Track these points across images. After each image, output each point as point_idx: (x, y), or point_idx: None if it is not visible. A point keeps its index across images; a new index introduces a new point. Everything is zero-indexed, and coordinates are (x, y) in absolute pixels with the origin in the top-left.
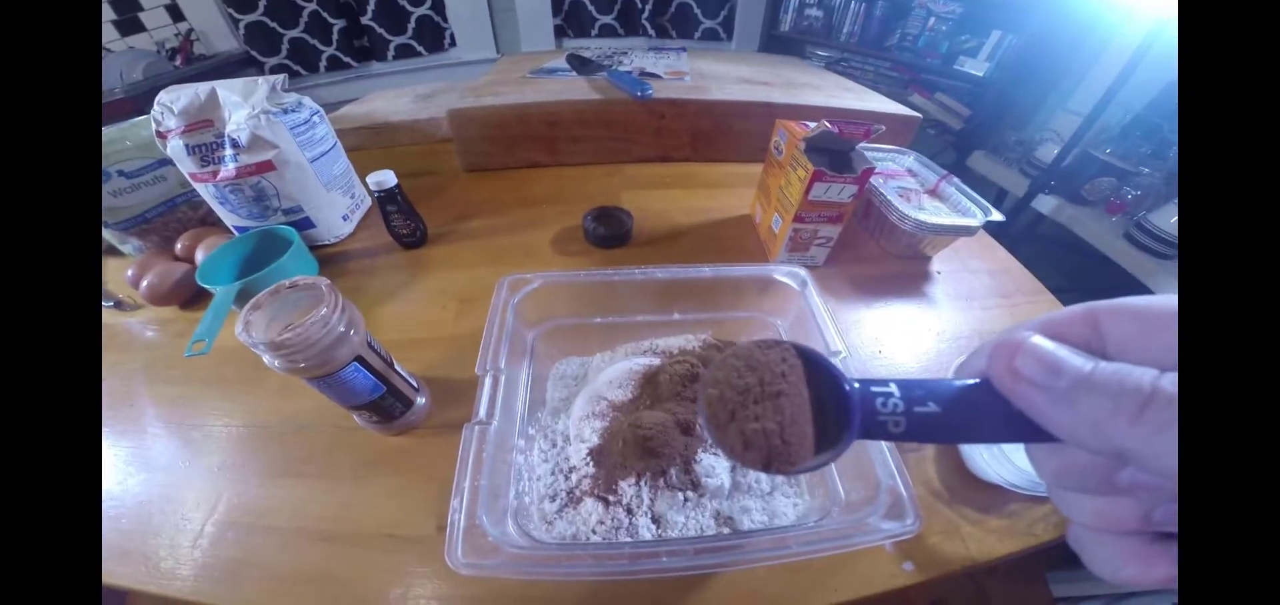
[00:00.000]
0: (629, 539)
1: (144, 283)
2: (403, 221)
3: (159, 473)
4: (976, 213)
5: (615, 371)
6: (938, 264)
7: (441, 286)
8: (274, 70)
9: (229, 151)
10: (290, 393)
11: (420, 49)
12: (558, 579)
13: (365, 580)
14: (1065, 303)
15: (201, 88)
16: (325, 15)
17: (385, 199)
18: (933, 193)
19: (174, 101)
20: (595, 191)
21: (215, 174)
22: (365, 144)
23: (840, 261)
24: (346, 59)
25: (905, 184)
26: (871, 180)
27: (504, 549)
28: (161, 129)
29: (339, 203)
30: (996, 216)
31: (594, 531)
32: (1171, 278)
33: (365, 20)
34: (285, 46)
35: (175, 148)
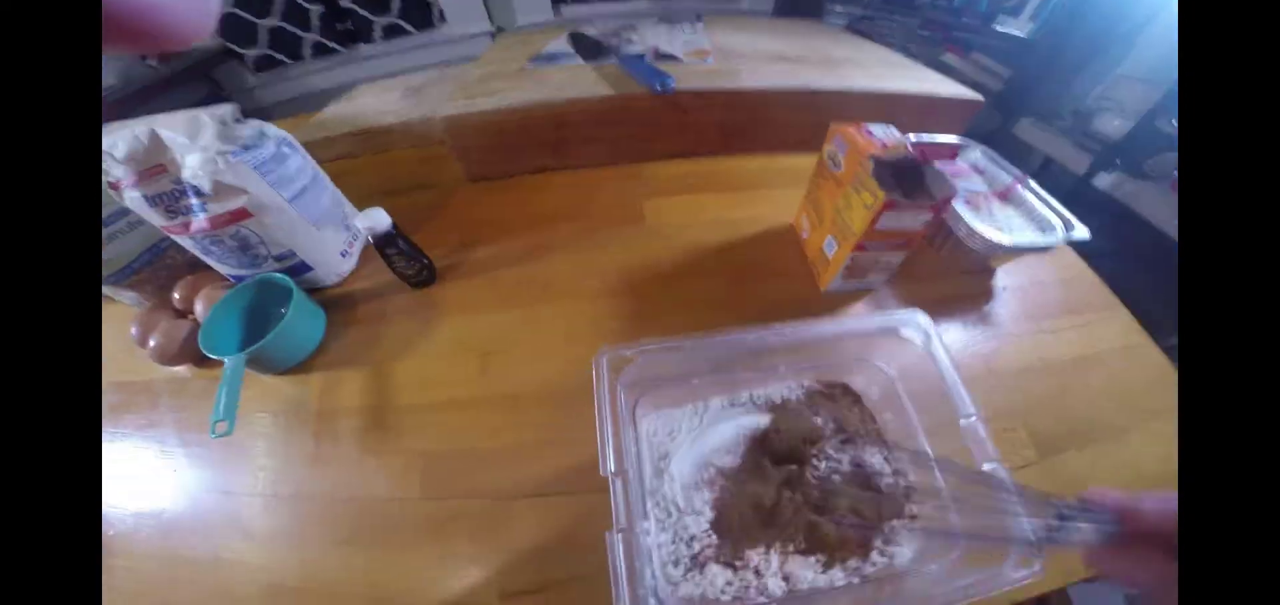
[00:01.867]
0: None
1: (150, 343)
2: (407, 263)
3: (211, 537)
4: (1057, 226)
5: (722, 437)
6: (1003, 278)
7: (459, 337)
8: (257, 61)
9: (195, 201)
10: (326, 461)
11: (409, 28)
12: None
13: None
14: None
15: (139, 129)
16: (300, 1)
17: (383, 243)
18: (1004, 197)
19: (113, 147)
20: (612, 201)
21: (187, 226)
22: (355, 151)
23: (898, 280)
24: (332, 45)
25: (972, 185)
26: None
27: None
28: (111, 180)
29: (333, 240)
30: (1081, 233)
31: (723, 593)
32: None
33: (345, 3)
34: (264, 36)
35: (133, 200)
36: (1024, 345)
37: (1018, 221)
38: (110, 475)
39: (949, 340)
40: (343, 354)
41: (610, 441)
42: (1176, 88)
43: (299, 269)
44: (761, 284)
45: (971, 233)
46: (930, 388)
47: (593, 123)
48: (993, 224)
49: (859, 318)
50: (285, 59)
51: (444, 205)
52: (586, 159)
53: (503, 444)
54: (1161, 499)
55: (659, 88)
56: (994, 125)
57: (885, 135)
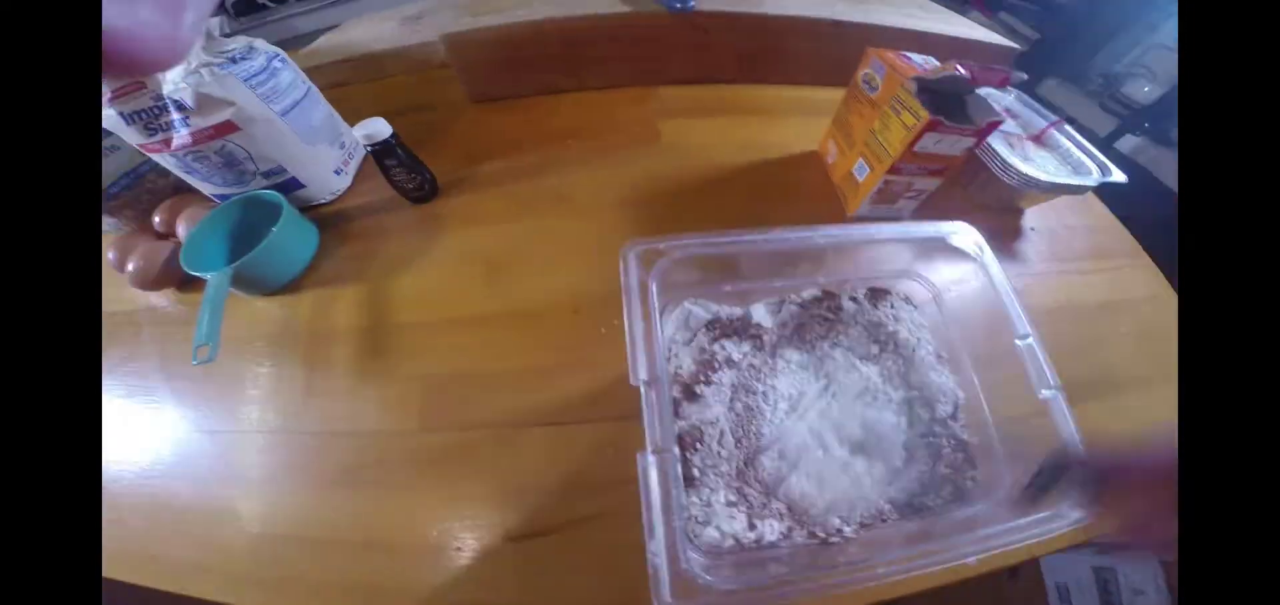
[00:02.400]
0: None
1: (129, 267)
2: (407, 175)
3: (198, 482)
4: (1092, 170)
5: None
6: (1031, 219)
7: (465, 249)
8: (237, 6)
9: (176, 116)
10: (318, 393)
11: None
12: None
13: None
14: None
15: None
16: None
17: (381, 153)
18: (1037, 140)
19: None
20: (627, 120)
21: (168, 142)
22: (348, 79)
23: (921, 213)
24: None
25: (1006, 127)
26: None
27: (717, 590)
28: None
29: (327, 156)
30: (1118, 177)
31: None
32: None
33: None
34: None
35: (110, 118)
36: (1051, 284)
37: (1052, 163)
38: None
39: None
40: (336, 271)
41: (641, 345)
42: None
43: (290, 186)
44: (785, 204)
45: (1006, 167)
46: (982, 306)
47: (606, 40)
48: (1028, 163)
49: (904, 225)
50: (267, 2)
51: (447, 125)
52: (598, 79)
53: (511, 367)
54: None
55: (677, 6)
56: (1018, 83)
57: (925, 63)
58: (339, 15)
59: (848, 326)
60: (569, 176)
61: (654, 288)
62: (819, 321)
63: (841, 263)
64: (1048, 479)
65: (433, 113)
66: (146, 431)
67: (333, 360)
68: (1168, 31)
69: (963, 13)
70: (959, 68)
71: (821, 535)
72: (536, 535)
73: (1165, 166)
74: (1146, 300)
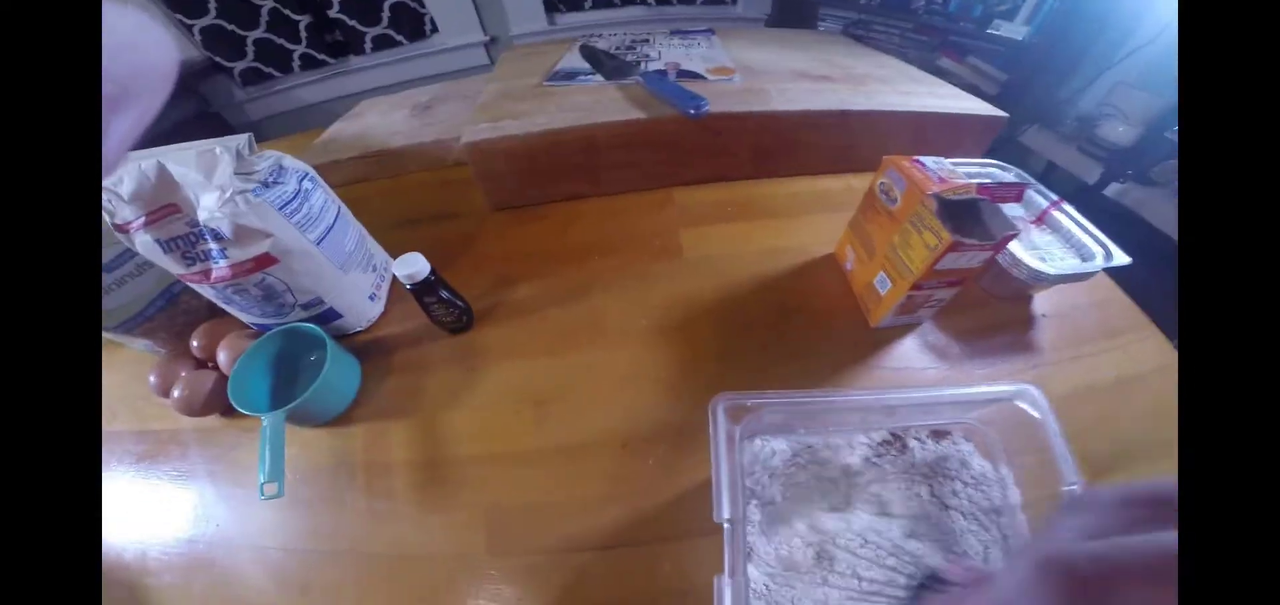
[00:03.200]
0: None
1: (174, 394)
2: (446, 311)
3: (268, 595)
4: (1096, 254)
5: None
6: (1041, 304)
7: (508, 386)
8: (244, 75)
9: (214, 246)
10: (382, 517)
11: (399, 38)
12: None
13: None
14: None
15: (146, 163)
16: (287, 11)
17: (421, 291)
18: (1039, 222)
19: (117, 184)
20: (648, 231)
21: (207, 273)
22: (368, 175)
23: (940, 314)
24: (320, 57)
25: (1011, 211)
26: None
27: None
28: (118, 222)
29: (361, 282)
30: (1121, 260)
31: None
32: None
33: (333, 13)
34: (251, 49)
35: (145, 244)
36: (1068, 371)
37: (1057, 248)
38: (149, 518)
39: (995, 376)
40: (384, 405)
41: (726, 490)
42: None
43: (328, 316)
44: (811, 319)
45: (1016, 262)
46: (1035, 454)
47: (623, 146)
48: (1033, 251)
49: (974, 388)
50: (274, 72)
51: (472, 238)
52: (616, 185)
53: (565, 498)
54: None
55: (693, 112)
56: (1000, 133)
57: (938, 168)
58: (341, 86)
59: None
60: (599, 302)
61: (738, 436)
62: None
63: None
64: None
65: (455, 223)
66: (207, 545)
67: (394, 489)
68: (1125, 67)
69: (933, 59)
70: (977, 191)
71: None
72: None
73: (1151, 207)
74: (1158, 371)
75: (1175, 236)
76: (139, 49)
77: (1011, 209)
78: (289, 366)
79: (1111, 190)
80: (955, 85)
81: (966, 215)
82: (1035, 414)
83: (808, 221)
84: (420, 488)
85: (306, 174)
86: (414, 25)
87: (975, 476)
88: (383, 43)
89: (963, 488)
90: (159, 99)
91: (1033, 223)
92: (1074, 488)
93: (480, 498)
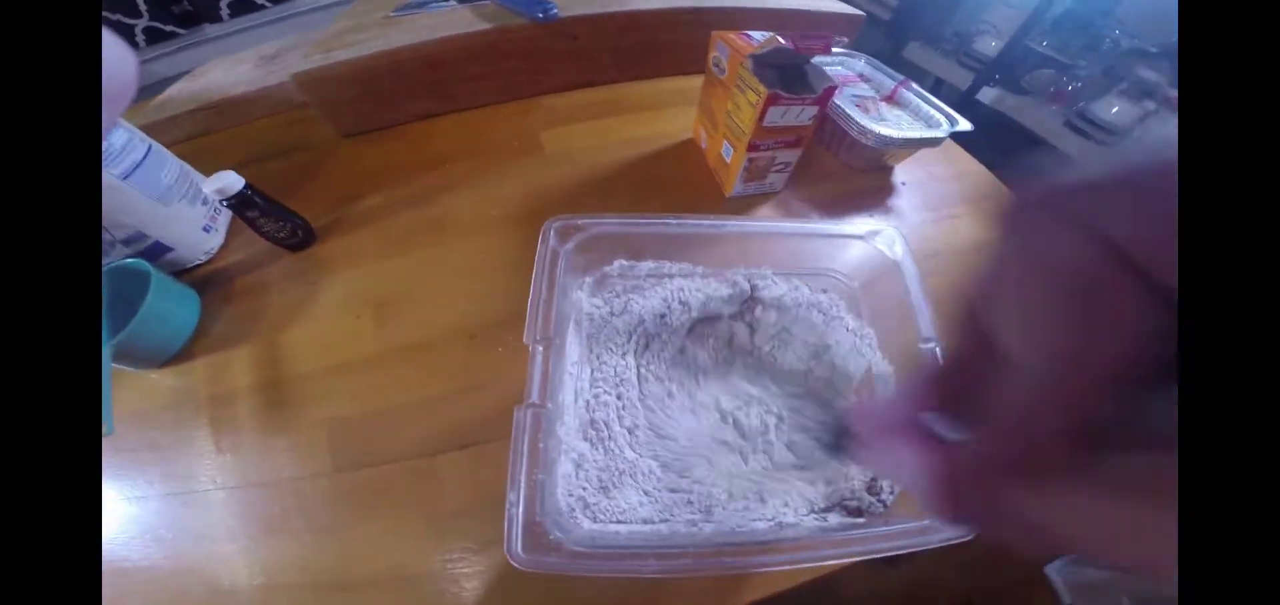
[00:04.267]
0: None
1: None
2: (275, 225)
3: (131, 548)
4: (941, 122)
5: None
6: (901, 174)
7: (351, 293)
8: None
9: None
10: (227, 450)
11: (261, 1)
12: (621, 575)
13: None
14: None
15: None
16: None
17: (239, 206)
18: (890, 99)
19: None
20: (508, 136)
21: None
22: (209, 127)
23: (799, 182)
24: (168, 28)
25: (860, 92)
26: None
27: (567, 546)
28: None
29: (191, 214)
30: (964, 126)
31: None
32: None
33: None
34: None
35: None
36: (929, 233)
37: (906, 121)
38: None
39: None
40: (225, 334)
41: (541, 310)
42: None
43: (157, 251)
44: (669, 194)
45: (864, 130)
46: (893, 303)
47: (472, 60)
48: (882, 123)
49: (831, 221)
50: None
51: (320, 165)
52: (475, 99)
53: (416, 398)
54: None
55: (542, 16)
56: (885, 50)
57: (763, 38)
58: (199, 56)
59: (761, 319)
60: (449, 202)
61: (562, 257)
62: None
63: (762, 253)
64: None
65: (303, 154)
66: None
67: (238, 420)
68: None
69: None
70: (780, 39)
71: (695, 514)
72: (469, 553)
73: (1028, 114)
74: None
75: (1049, 138)
76: (106, 61)
77: (859, 89)
78: (126, 312)
79: (988, 97)
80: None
81: (793, 79)
82: (891, 254)
83: (669, 113)
84: (263, 413)
85: None
86: None
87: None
88: (241, 7)
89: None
90: (122, 107)
91: (884, 101)
92: (930, 343)
93: (323, 413)
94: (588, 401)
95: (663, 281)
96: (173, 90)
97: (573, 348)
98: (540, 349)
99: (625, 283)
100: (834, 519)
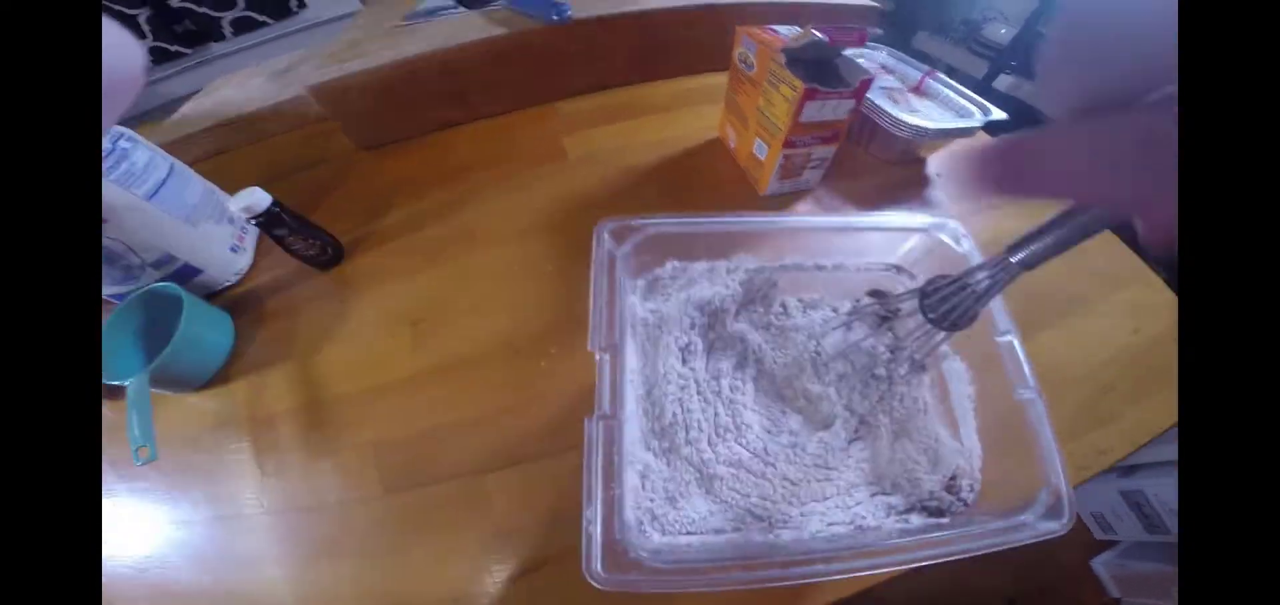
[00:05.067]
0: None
1: None
2: (303, 243)
3: (178, 574)
4: (974, 111)
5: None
6: (934, 165)
7: (383, 311)
8: None
9: None
10: (272, 474)
11: (263, 18)
12: (705, 589)
13: None
14: None
15: None
16: (118, 7)
17: (268, 224)
18: (917, 91)
19: None
20: (529, 142)
21: None
22: (228, 144)
23: (832, 178)
24: (174, 48)
25: (886, 83)
26: None
27: (646, 563)
28: None
29: (218, 234)
30: (998, 115)
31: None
32: None
33: (176, 2)
34: None
35: None
36: (972, 224)
37: (936, 111)
38: None
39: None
40: (260, 356)
41: (604, 314)
42: None
43: (186, 273)
44: (701, 196)
45: (896, 122)
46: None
47: (490, 66)
48: (914, 115)
49: (887, 212)
50: None
51: (341, 179)
52: (492, 106)
53: (460, 417)
54: None
55: (556, 18)
56: (890, 41)
57: (789, 32)
58: (207, 75)
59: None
60: (475, 212)
61: (620, 261)
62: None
63: (820, 248)
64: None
65: (324, 169)
66: (110, 530)
67: (279, 442)
68: None
69: None
70: (816, 32)
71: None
72: (526, 573)
73: (1038, 98)
74: None
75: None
76: (107, 50)
77: (885, 81)
78: (160, 337)
79: (1003, 83)
80: None
81: (826, 73)
82: (958, 248)
83: (693, 112)
84: (305, 435)
85: (121, 134)
86: (277, 2)
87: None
88: (244, 25)
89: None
90: (125, 102)
91: (912, 92)
92: (1008, 336)
93: (365, 435)
94: (648, 409)
95: (716, 277)
96: (186, 108)
97: (630, 355)
98: (607, 358)
99: (677, 285)
100: (915, 521)
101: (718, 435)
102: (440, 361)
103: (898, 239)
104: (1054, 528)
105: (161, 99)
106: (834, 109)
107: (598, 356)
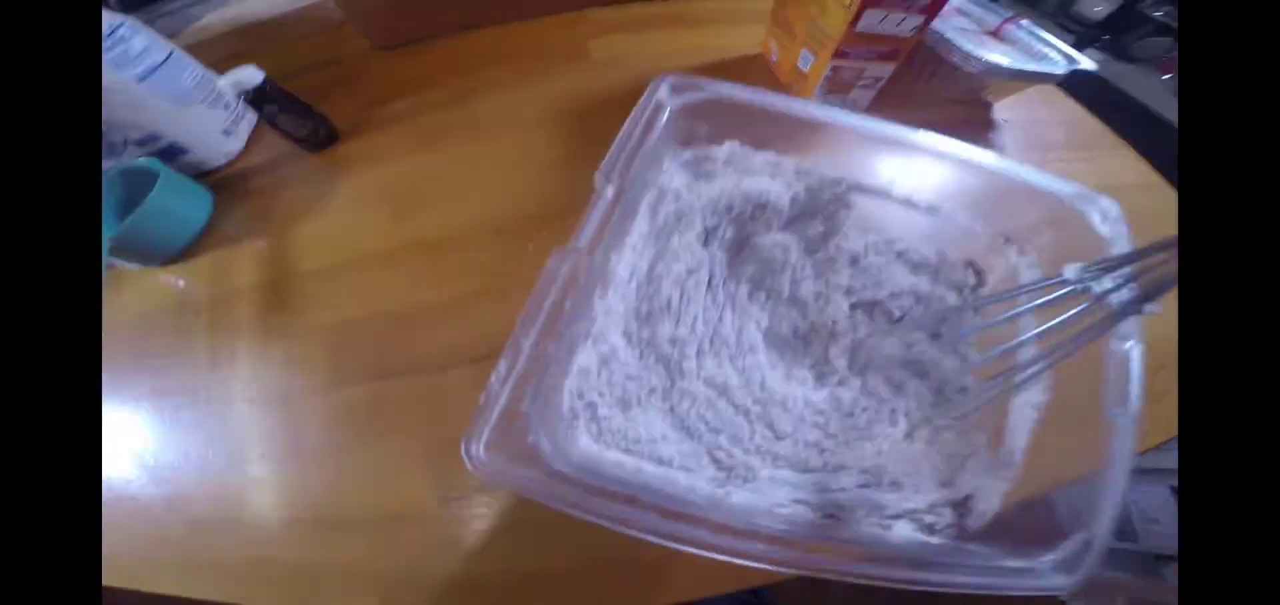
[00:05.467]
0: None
1: None
2: (295, 122)
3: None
4: (1058, 59)
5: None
6: (1001, 112)
7: (368, 187)
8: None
9: None
10: (222, 360)
11: None
12: (603, 524)
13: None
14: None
15: None
16: None
17: (258, 100)
18: (996, 35)
19: None
20: (551, 44)
21: None
22: (242, 51)
23: (879, 106)
24: None
25: (961, 24)
26: None
27: (545, 460)
28: None
29: (209, 118)
30: (1087, 64)
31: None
32: None
33: None
34: None
35: None
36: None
37: (1014, 54)
38: None
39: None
40: (234, 230)
41: (627, 147)
42: None
43: (172, 152)
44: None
45: (968, 56)
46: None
47: None
48: (990, 52)
49: (1022, 166)
50: None
51: (353, 78)
52: (516, 10)
53: (430, 299)
54: None
55: None
56: None
57: None
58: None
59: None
60: (484, 104)
61: (669, 112)
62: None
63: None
64: None
65: (335, 68)
66: None
67: (236, 323)
68: None
69: None
70: None
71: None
72: (475, 492)
73: (1132, 80)
74: (1139, 187)
75: (1157, 107)
76: None
77: (959, 22)
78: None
79: (1093, 63)
80: None
81: None
82: (1100, 229)
83: (734, 29)
84: (263, 315)
85: (123, 23)
86: None
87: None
88: None
89: None
90: None
91: (989, 35)
92: (1130, 345)
93: (327, 316)
94: (642, 286)
95: (780, 173)
96: (207, 18)
97: (644, 221)
98: (609, 191)
99: (730, 172)
100: (901, 531)
101: (712, 346)
102: (418, 239)
103: (1019, 202)
104: (1062, 583)
105: (189, 22)
106: (898, 23)
107: (599, 185)
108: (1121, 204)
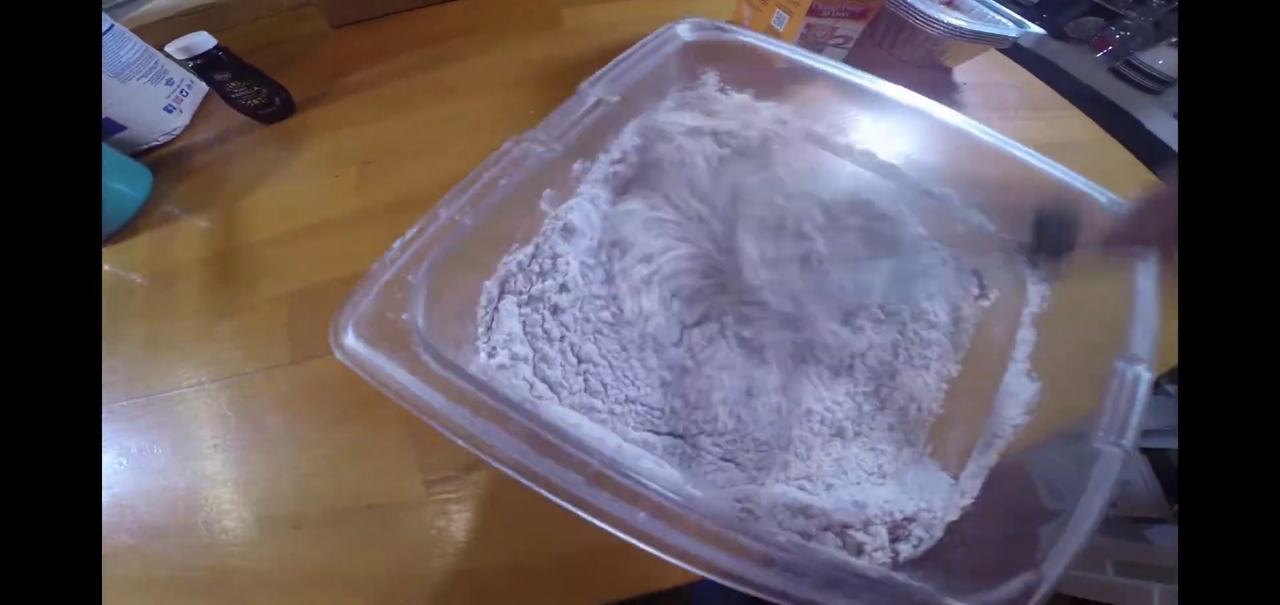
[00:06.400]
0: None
1: None
2: (249, 90)
3: None
4: (1008, 24)
5: None
6: (960, 76)
7: (330, 152)
8: None
9: None
10: (164, 345)
11: None
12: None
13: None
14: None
15: None
16: None
17: (207, 68)
18: (948, 3)
19: None
20: (522, 11)
21: None
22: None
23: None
24: None
25: None
26: None
27: (423, 358)
28: None
29: (150, 93)
30: (1036, 30)
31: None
32: (1161, 110)
33: None
34: None
35: None
36: (1000, 133)
37: (970, 21)
38: None
39: None
40: (174, 206)
41: (624, 66)
42: None
43: (107, 129)
44: None
45: (930, 19)
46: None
47: None
48: (950, 15)
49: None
50: None
51: (308, 53)
52: None
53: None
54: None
55: None
56: None
57: None
58: None
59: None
60: (453, 69)
61: (679, 46)
62: None
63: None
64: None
65: (292, 45)
66: None
67: (178, 303)
68: None
69: None
70: None
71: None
72: (452, 477)
73: (1068, 58)
74: (1092, 143)
75: (1093, 84)
76: None
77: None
78: None
79: (1028, 43)
80: None
81: None
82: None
83: None
84: (208, 291)
85: None
86: None
87: None
88: None
89: None
90: None
91: (943, 4)
92: (1140, 367)
93: (283, 286)
94: (602, 199)
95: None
96: (154, 4)
97: (630, 130)
98: (592, 99)
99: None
100: (828, 542)
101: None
102: (387, 199)
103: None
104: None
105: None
106: None
107: (584, 92)
108: (1079, 158)
